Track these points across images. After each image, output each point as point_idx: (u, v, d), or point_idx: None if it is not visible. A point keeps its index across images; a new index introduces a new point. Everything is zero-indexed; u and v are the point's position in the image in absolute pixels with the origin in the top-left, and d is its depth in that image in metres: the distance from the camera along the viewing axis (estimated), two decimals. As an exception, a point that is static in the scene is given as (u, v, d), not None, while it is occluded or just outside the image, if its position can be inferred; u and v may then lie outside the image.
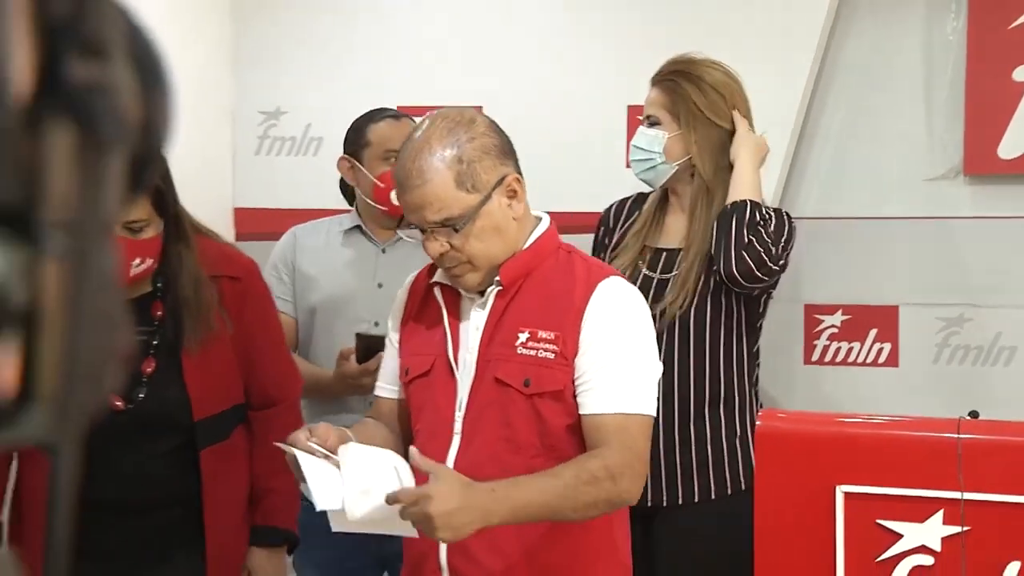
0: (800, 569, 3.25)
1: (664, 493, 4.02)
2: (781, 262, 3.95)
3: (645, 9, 4.99)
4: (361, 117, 4.45)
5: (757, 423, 3.40)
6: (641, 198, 4.22)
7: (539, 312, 3.04)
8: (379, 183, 4.31)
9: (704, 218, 4.01)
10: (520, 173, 3.07)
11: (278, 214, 5.12)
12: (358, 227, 4.41)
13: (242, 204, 5.38)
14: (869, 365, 4.91)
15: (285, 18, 5.34)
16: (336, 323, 4.33)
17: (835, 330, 4.90)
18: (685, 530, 4.02)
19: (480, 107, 5.20)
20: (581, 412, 3.00)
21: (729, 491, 4.01)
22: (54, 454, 0.56)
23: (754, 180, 4.01)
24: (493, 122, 3.07)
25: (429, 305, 3.16)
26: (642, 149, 4.04)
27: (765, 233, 3.90)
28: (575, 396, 3.01)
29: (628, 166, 4.18)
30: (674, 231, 4.11)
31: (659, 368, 3.09)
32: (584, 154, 5.00)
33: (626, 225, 4.20)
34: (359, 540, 3.14)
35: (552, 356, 3.00)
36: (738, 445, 4.01)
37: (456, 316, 3.11)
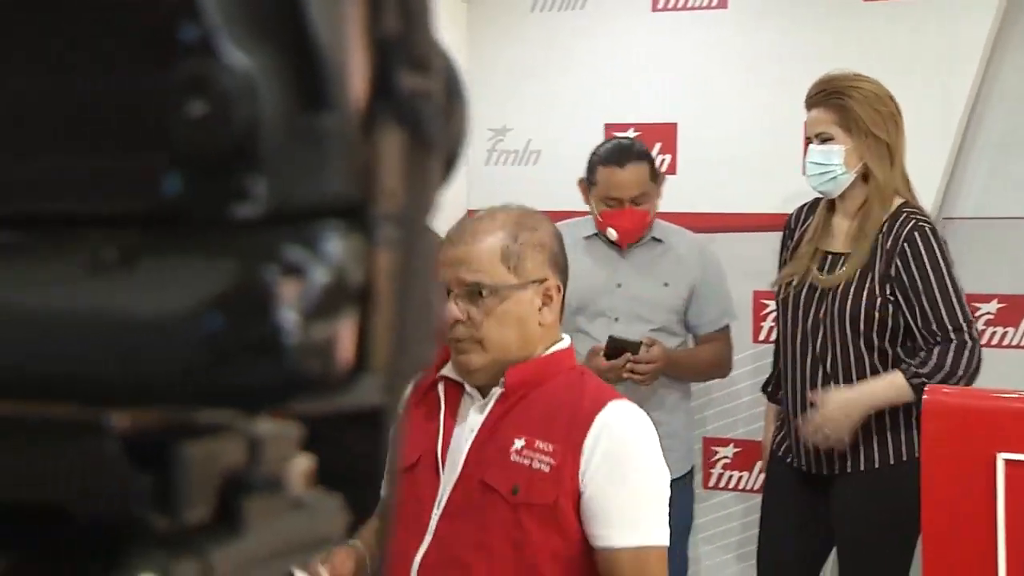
0: (964, 531, 3.18)
1: (838, 463, 3.99)
2: None
3: (816, 31, 4.94)
4: (597, 152, 4.46)
5: (924, 397, 3.32)
6: (816, 203, 4.18)
7: (540, 422, 2.58)
8: (599, 218, 4.37)
9: (874, 218, 3.96)
10: (563, 290, 2.70)
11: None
12: (596, 234, 4.45)
13: (474, 207, 5.45)
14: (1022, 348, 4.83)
15: (509, 50, 5.42)
16: (578, 318, 4.34)
17: (991, 316, 4.80)
18: (859, 495, 3.98)
19: (675, 123, 5.21)
20: (593, 544, 2.53)
21: (901, 459, 3.95)
22: (383, 418, 0.56)
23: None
24: (559, 236, 2.74)
25: (428, 398, 2.72)
26: (820, 164, 3.98)
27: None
28: (580, 523, 2.54)
29: (804, 173, 4.12)
30: (840, 234, 4.06)
31: (668, 492, 2.59)
32: (765, 161, 4.96)
33: (803, 229, 4.17)
34: None
35: (547, 469, 2.53)
36: (901, 417, 3.95)
37: (453, 415, 2.67)
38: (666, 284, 4.36)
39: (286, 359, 0.50)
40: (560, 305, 2.68)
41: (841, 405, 3.87)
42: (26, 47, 0.52)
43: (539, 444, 2.53)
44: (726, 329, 4.51)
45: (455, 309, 2.58)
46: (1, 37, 0.53)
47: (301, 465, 0.58)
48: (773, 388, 4.32)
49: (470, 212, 5.41)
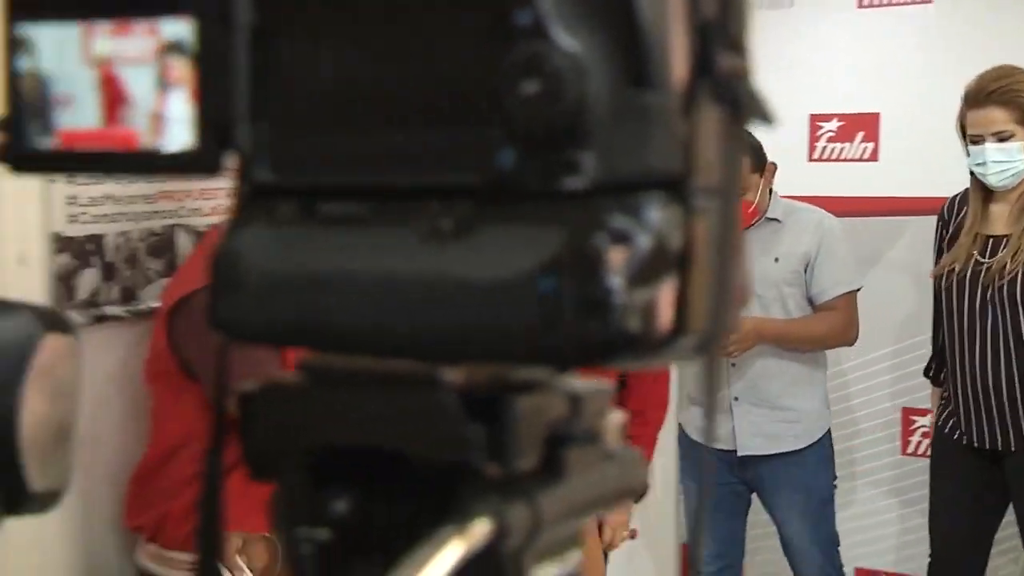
0: None
1: (1014, 439, 3.88)
2: None
3: (1020, 22, 4.76)
4: None
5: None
6: (966, 193, 4.05)
7: None
8: None
9: None
10: None
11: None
12: None
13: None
14: None
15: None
16: None
17: None
18: None
19: (878, 113, 5.09)
20: None
21: None
22: (712, 367, 0.55)
23: None
24: None
25: None
26: (1003, 162, 3.84)
27: None
28: None
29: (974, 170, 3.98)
30: (999, 219, 3.92)
31: None
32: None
33: (958, 219, 4.04)
34: None
35: None
36: None
37: None
38: (776, 259, 4.25)
39: (613, 319, 0.49)
40: None
41: None
42: (378, 34, 0.53)
43: None
44: (842, 298, 4.34)
45: None
46: (358, 25, 0.53)
47: (614, 420, 0.58)
48: (935, 372, 4.19)
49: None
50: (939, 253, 4.11)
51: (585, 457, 0.56)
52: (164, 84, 0.56)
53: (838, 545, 4.28)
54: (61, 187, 3.03)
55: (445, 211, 0.52)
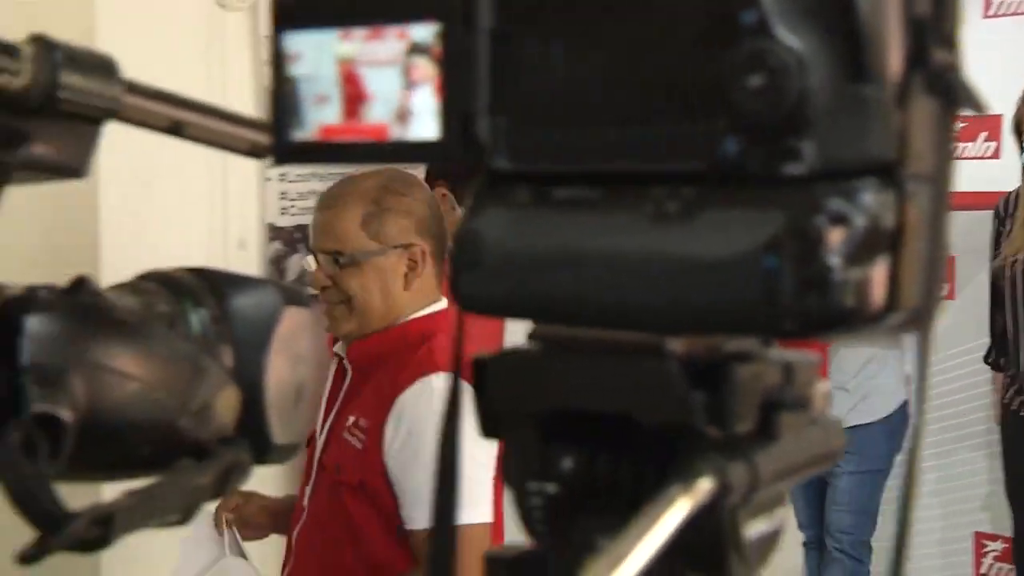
0: None
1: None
2: None
3: None
4: None
5: None
6: (1017, 190, 3.90)
7: (368, 398, 2.06)
8: None
9: None
10: (439, 257, 2.12)
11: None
12: None
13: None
14: None
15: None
16: None
17: None
18: None
19: (1001, 115, 4.91)
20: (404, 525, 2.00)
21: None
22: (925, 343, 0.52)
23: None
24: (433, 202, 2.18)
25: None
26: None
27: None
28: (394, 498, 2.01)
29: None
30: None
31: (478, 471, 1.87)
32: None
33: (1012, 215, 3.90)
34: None
35: (359, 447, 2.03)
36: None
37: (337, 391, 2.16)
38: None
39: (832, 295, 0.47)
40: (435, 269, 2.15)
41: None
42: (609, 34, 0.51)
43: (360, 421, 2.05)
44: None
45: (320, 275, 2.08)
46: (591, 26, 0.52)
47: (821, 389, 0.56)
48: (995, 358, 4.02)
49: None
50: (996, 247, 3.98)
51: (796, 422, 0.54)
52: (410, 81, 0.56)
53: (874, 516, 4.06)
54: (275, 184, 3.10)
55: (670, 195, 0.51)
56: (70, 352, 0.71)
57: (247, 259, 2.95)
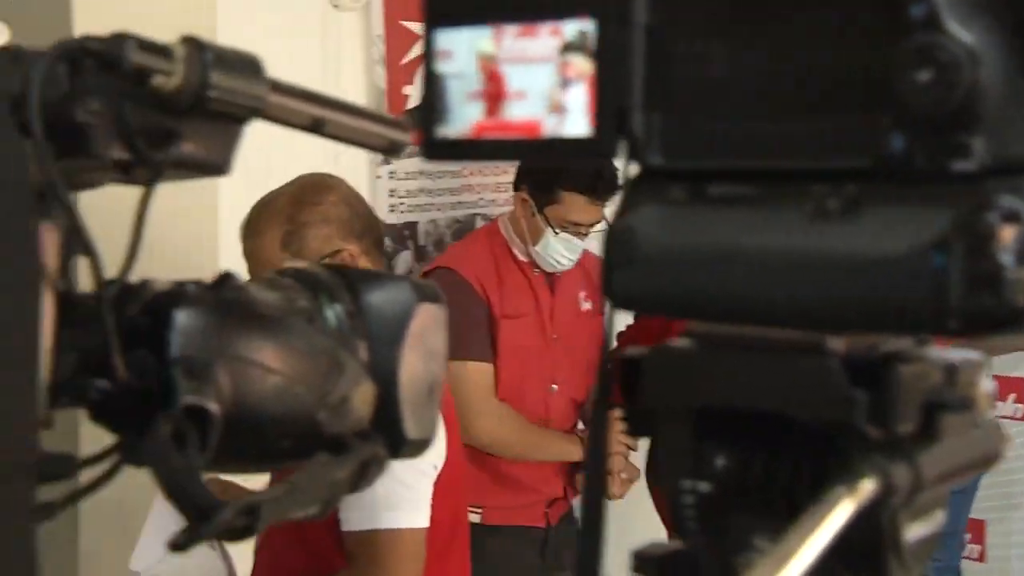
0: None
1: None
2: None
3: None
4: None
5: None
6: None
7: None
8: None
9: None
10: (374, 253, 2.04)
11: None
12: None
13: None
14: None
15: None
16: None
17: None
18: None
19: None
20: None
21: None
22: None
23: None
24: (355, 197, 2.06)
25: None
26: None
27: None
28: None
29: None
30: None
31: (416, 474, 1.85)
32: None
33: None
34: None
35: None
36: None
37: None
38: None
39: (1004, 293, 0.46)
40: (381, 266, 2.10)
41: None
42: (770, 29, 0.51)
43: None
44: None
45: None
46: (751, 22, 0.51)
47: (985, 389, 0.54)
48: None
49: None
50: None
51: (958, 424, 0.52)
52: (563, 78, 0.56)
53: (960, 539, 3.88)
54: (384, 182, 3.13)
55: (831, 192, 0.50)
56: (216, 345, 0.72)
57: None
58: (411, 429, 0.84)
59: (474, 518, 2.91)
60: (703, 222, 0.53)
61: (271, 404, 0.74)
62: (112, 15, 2.30)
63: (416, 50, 3.13)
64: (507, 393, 2.89)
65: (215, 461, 0.71)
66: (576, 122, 0.55)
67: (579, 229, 2.83)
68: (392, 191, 3.15)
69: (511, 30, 0.56)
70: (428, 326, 0.85)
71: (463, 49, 0.58)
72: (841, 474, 0.48)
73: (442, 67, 0.59)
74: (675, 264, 0.53)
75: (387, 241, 3.15)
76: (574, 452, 2.93)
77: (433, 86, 0.59)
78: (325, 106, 0.77)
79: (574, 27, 0.55)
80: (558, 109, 0.56)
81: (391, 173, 3.13)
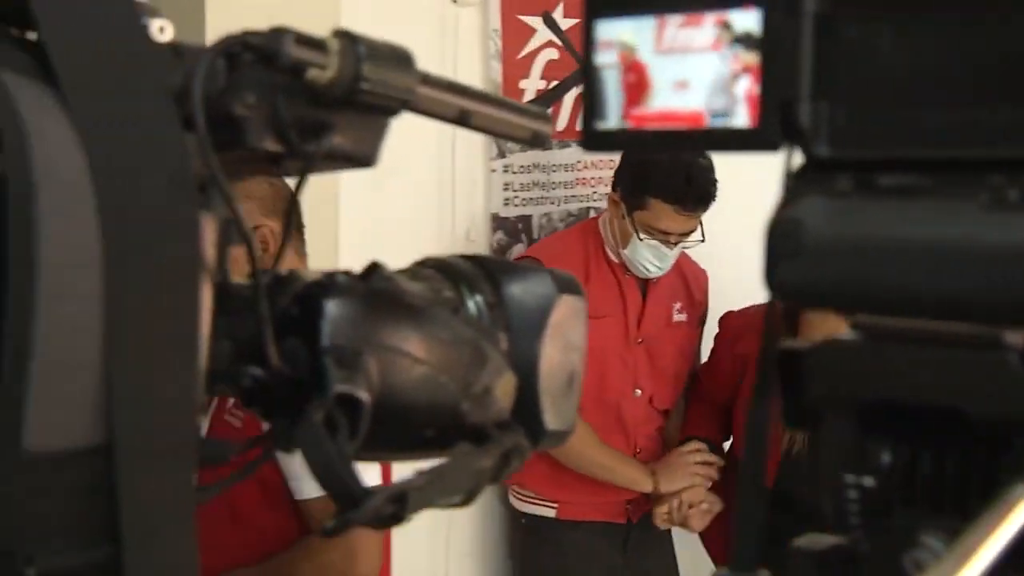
0: None
1: None
2: None
3: None
4: None
5: None
6: None
7: None
8: None
9: None
10: (298, 234, 2.12)
11: None
12: None
13: None
14: None
15: None
16: None
17: None
18: None
19: None
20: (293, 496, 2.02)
21: None
22: None
23: None
24: (279, 180, 2.08)
25: None
26: None
27: None
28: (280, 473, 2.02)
29: None
30: None
31: None
32: None
33: None
34: None
35: (239, 424, 2.04)
36: None
37: None
38: None
39: None
40: (296, 248, 2.15)
41: None
42: (947, 15, 0.50)
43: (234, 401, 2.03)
44: None
45: None
46: (927, 8, 0.50)
47: None
48: None
49: None
50: None
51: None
52: (728, 68, 0.55)
53: None
54: (499, 176, 3.14)
55: (1010, 182, 0.49)
56: (365, 335, 0.73)
57: (473, 250, 3.00)
58: (551, 420, 0.84)
59: (549, 513, 2.91)
60: (872, 213, 0.52)
61: (417, 393, 0.75)
62: (240, 7, 2.34)
63: (534, 43, 3.13)
64: (585, 392, 2.86)
65: (363, 448, 0.72)
66: (740, 113, 0.54)
67: (667, 238, 2.78)
68: (507, 184, 3.16)
69: (674, 20, 0.56)
70: (568, 318, 0.85)
71: (622, 40, 0.58)
72: (1017, 472, 0.47)
73: (602, 58, 0.59)
74: (842, 256, 0.52)
75: (500, 234, 3.16)
76: (642, 483, 2.90)
77: (592, 77, 0.59)
78: (472, 98, 0.78)
79: (740, 17, 0.54)
80: (722, 99, 0.55)
81: (505, 167, 3.14)
